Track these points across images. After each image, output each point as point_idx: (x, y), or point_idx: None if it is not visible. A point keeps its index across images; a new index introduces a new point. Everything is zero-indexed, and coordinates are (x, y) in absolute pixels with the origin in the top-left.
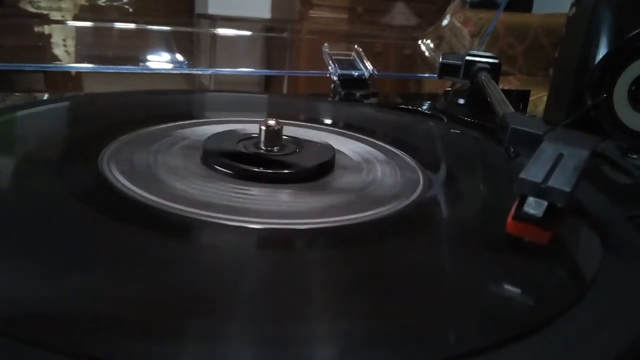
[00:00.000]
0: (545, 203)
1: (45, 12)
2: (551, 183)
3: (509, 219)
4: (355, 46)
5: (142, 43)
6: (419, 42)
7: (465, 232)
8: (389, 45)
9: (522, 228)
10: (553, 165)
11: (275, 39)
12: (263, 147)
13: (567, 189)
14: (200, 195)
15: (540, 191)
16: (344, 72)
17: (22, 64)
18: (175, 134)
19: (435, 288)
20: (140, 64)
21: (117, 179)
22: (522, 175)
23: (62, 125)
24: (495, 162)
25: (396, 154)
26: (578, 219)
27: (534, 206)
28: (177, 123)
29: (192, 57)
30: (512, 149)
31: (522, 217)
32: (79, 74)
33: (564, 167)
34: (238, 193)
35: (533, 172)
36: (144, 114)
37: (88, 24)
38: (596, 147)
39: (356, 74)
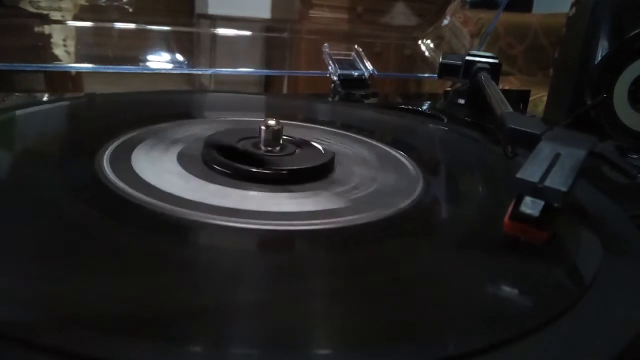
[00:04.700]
0: (542, 203)
1: (45, 12)
2: (548, 183)
3: (506, 219)
4: (355, 46)
5: (142, 43)
6: (419, 42)
7: (463, 233)
8: (389, 45)
9: (519, 228)
10: (550, 165)
11: (275, 39)
12: (262, 148)
13: (564, 189)
14: (199, 196)
15: (536, 191)
16: (344, 72)
17: (22, 64)
18: (174, 135)
19: (434, 288)
20: (140, 64)
21: (115, 179)
22: (519, 174)
23: (61, 125)
24: (493, 162)
25: (395, 154)
26: (578, 218)
27: (530, 206)
28: (176, 123)
29: (192, 57)
30: (510, 149)
31: (519, 217)
32: (79, 74)
33: (561, 166)
34: (236, 193)
35: (530, 171)
36: (143, 114)
37: (88, 24)
38: (594, 147)
39: (356, 74)
